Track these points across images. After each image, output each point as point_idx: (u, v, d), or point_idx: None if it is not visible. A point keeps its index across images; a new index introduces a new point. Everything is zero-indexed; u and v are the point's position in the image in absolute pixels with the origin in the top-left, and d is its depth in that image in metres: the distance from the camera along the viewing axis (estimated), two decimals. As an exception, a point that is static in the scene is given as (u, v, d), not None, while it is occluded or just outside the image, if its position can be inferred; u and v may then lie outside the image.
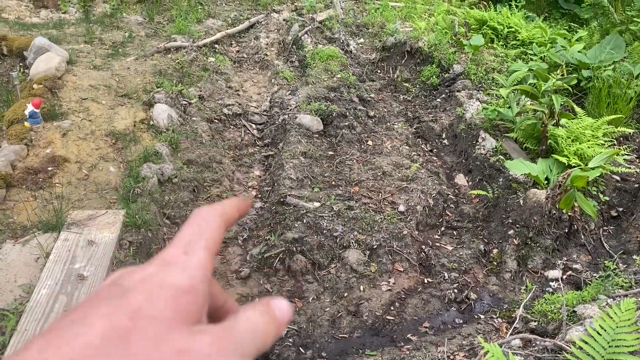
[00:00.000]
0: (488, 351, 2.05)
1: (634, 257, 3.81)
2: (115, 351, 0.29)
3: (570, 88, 5.40)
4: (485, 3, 8.10)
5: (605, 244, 4.20)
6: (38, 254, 3.54)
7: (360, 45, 7.79)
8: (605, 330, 2.06)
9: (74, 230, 3.76)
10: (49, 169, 4.29)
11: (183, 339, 0.31)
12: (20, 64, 5.68)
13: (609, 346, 2.08)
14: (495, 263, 4.14)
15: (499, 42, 6.82)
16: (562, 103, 4.68)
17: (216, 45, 7.06)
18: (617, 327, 2.09)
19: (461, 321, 3.68)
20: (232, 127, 5.77)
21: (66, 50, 5.66)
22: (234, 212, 0.43)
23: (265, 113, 6.10)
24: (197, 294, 0.35)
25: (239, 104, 6.08)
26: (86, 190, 4.25)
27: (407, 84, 6.79)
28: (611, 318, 2.06)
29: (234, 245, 4.29)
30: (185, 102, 5.63)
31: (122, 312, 0.31)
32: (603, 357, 2.01)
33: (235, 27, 7.65)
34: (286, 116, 5.70)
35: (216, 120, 5.70)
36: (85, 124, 4.83)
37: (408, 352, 3.33)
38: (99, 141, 4.71)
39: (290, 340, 3.49)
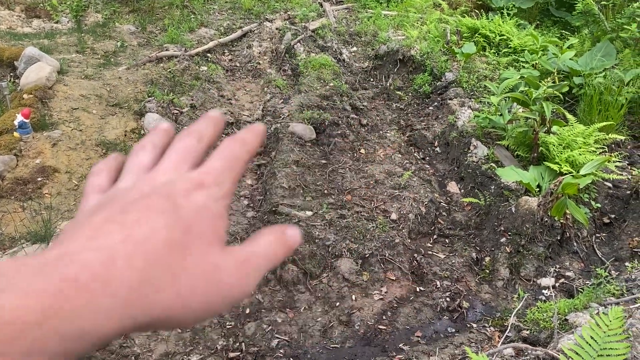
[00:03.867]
0: (477, 361, 2.03)
1: (626, 264, 3.80)
2: (174, 259, 0.35)
3: (561, 95, 5.41)
4: (477, 11, 8.13)
5: (597, 251, 4.19)
6: (26, 265, 3.51)
7: (353, 53, 7.80)
8: (594, 340, 2.05)
9: (62, 241, 3.73)
10: (39, 179, 4.27)
11: (218, 256, 0.38)
12: (11, 74, 5.67)
13: (599, 355, 2.06)
14: (487, 271, 4.12)
15: (491, 49, 6.84)
16: (554, 110, 4.69)
17: (208, 54, 7.06)
18: (606, 335, 2.08)
19: (453, 330, 3.65)
20: (224, 136, 5.71)
21: (57, 60, 5.65)
22: (256, 147, 0.46)
23: (257, 122, 6.09)
24: (225, 219, 0.40)
25: (231, 113, 6.07)
26: (76, 201, 4.22)
27: (399, 92, 6.79)
28: (599, 327, 2.04)
29: (225, 255, 4.26)
30: (177, 111, 5.61)
31: (179, 228, 0.36)
32: (592, 366, 1.99)
33: (227, 36, 7.65)
34: (279, 125, 5.68)
35: (208, 129, 5.68)
36: (76, 134, 4.80)
37: (400, 362, 3.31)
38: (89, 151, 4.68)
39: (281, 351, 3.46)
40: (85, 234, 0.34)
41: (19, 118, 4.49)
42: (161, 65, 6.42)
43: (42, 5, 7.97)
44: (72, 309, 0.30)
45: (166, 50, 6.75)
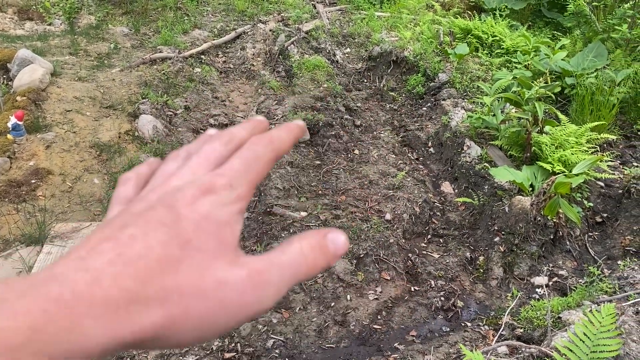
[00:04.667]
0: None
1: (618, 262, 3.83)
2: (166, 277, 0.33)
3: (554, 96, 5.45)
4: (469, 12, 8.17)
5: (590, 250, 4.22)
6: (20, 267, 3.50)
7: (347, 55, 7.83)
8: (587, 336, 2.07)
9: (57, 243, 3.72)
10: (33, 181, 4.25)
11: (223, 270, 0.34)
12: (4, 76, 5.64)
13: (592, 352, 2.08)
14: (481, 270, 4.14)
15: (484, 50, 6.88)
16: (546, 110, 4.72)
17: (202, 56, 7.06)
18: (598, 332, 2.10)
19: (448, 329, 3.67)
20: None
21: (50, 62, 5.64)
22: (287, 146, 0.43)
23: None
24: (235, 226, 0.37)
25: (225, 114, 6.08)
26: (70, 203, 4.22)
27: (393, 93, 6.82)
28: (592, 324, 2.07)
29: (220, 256, 4.26)
30: (171, 113, 5.61)
31: (176, 243, 0.34)
32: (585, 363, 2.02)
33: (221, 37, 7.66)
34: (273, 126, 5.68)
35: (202, 131, 5.68)
36: (70, 136, 4.80)
37: (395, 361, 3.32)
38: (83, 153, 4.68)
39: (276, 351, 3.47)
40: (79, 254, 0.33)
41: (13, 120, 4.48)
42: (155, 67, 6.41)
43: (34, 7, 7.95)
44: (56, 330, 0.29)
45: (160, 52, 6.75)
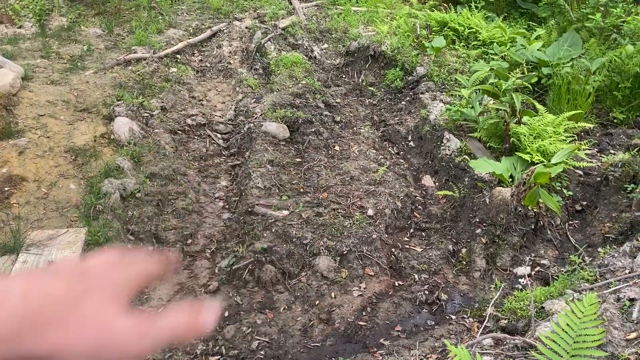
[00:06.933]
0: (456, 355, 2.04)
1: (599, 249, 3.87)
2: (67, 308, 0.40)
3: (531, 86, 5.48)
4: (445, 5, 8.18)
5: (571, 238, 4.25)
6: (-5, 278, 3.41)
7: (324, 50, 7.79)
8: (569, 327, 2.07)
9: (33, 252, 3.64)
10: (6, 189, 4.15)
11: (115, 315, 0.42)
12: (-27, 81, 5.49)
13: (575, 342, 2.08)
14: (464, 262, 4.15)
15: (461, 43, 6.90)
16: (523, 101, 4.74)
17: (178, 56, 6.97)
18: (581, 322, 2.10)
19: (433, 323, 3.67)
20: (196, 137, 5.68)
21: (21, 66, 5.51)
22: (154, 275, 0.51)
23: (230, 122, 6.03)
24: (128, 289, 0.46)
25: (203, 114, 6.00)
26: (46, 210, 4.12)
27: (372, 88, 6.80)
28: (574, 314, 2.07)
29: (202, 259, 4.21)
30: (147, 114, 5.52)
31: (79, 287, 0.42)
32: (568, 353, 2.02)
33: (197, 36, 7.56)
34: (252, 124, 5.64)
35: (180, 132, 5.60)
36: (43, 141, 4.69)
37: (381, 358, 3.31)
38: (58, 158, 4.58)
39: (262, 352, 3.43)
40: None
41: (-17, 127, 4.36)
42: (130, 68, 6.31)
43: (3, 10, 7.76)
44: None
45: (134, 52, 6.64)
